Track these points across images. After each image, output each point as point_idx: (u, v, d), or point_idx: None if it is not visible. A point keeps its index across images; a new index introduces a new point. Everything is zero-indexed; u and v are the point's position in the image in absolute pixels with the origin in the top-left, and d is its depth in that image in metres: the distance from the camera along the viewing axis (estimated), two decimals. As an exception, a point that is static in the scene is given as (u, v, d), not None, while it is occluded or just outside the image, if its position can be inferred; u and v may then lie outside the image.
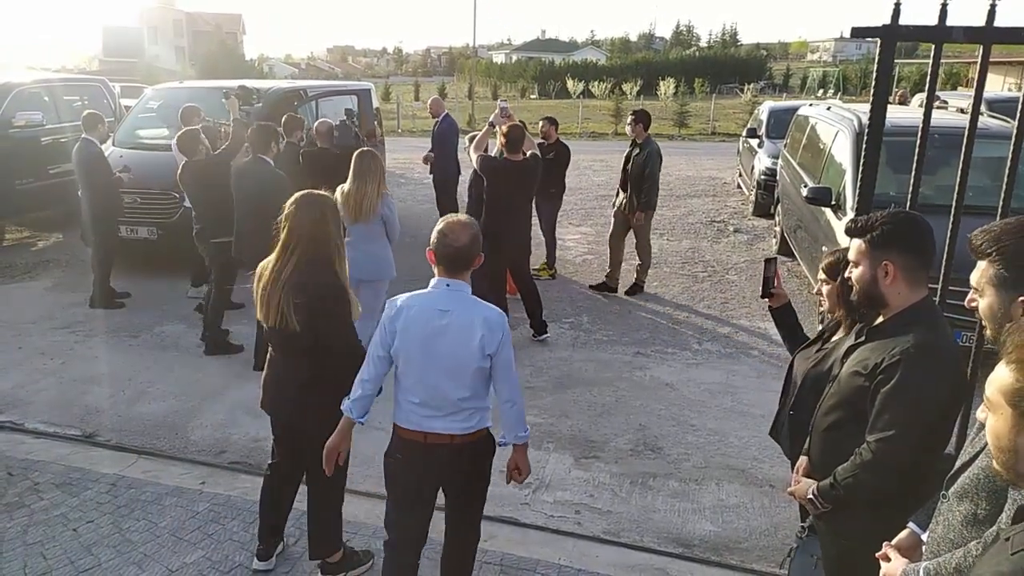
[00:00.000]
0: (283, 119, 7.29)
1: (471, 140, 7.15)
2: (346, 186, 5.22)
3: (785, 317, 3.04)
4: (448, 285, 2.64)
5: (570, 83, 45.52)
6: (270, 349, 3.24)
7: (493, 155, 6.28)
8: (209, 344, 6.05)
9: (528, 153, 5.89)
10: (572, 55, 69.40)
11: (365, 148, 5.50)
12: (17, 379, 5.48)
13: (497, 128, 6.27)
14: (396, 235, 5.38)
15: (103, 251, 7.09)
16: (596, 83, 44.04)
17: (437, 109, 9.73)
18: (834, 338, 2.68)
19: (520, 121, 6.88)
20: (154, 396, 5.27)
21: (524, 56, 71.10)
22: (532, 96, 48.70)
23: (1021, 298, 1.76)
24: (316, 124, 7.33)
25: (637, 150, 7.21)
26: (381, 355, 2.69)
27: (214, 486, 4.08)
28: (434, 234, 2.65)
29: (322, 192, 3.16)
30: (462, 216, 2.79)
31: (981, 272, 1.86)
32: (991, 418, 1.36)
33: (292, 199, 3.07)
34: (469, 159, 6.49)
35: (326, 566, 3.33)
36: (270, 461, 3.44)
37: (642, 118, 7.27)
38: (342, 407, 2.78)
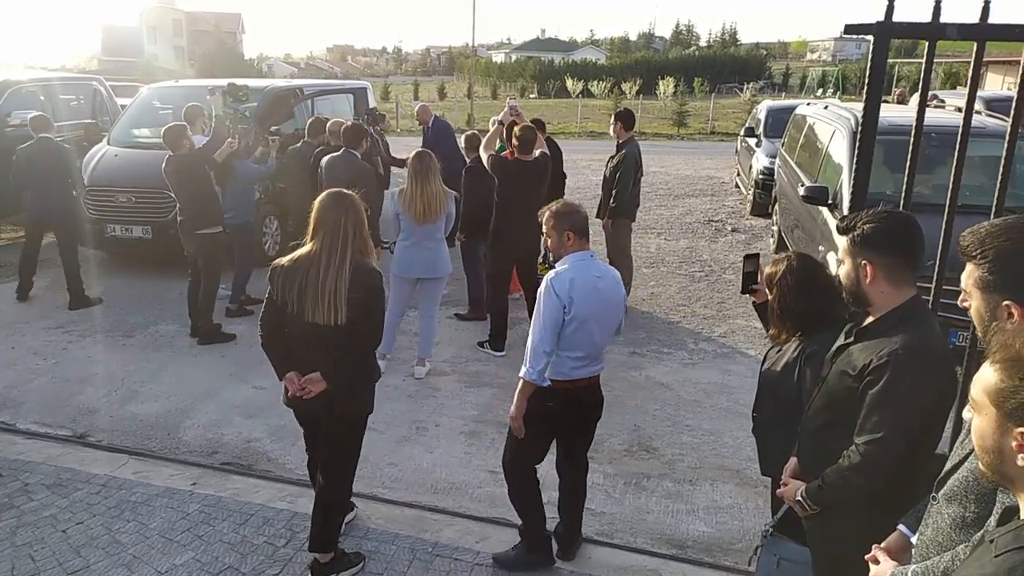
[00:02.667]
0: (308, 122, 7.53)
1: (468, 141, 7.14)
2: (407, 188, 5.33)
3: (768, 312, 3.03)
4: (592, 255, 3.23)
5: (569, 82, 45.51)
6: (297, 344, 3.14)
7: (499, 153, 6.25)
8: (203, 335, 6.17)
9: (538, 153, 5.88)
10: (571, 54, 69.31)
11: (421, 149, 5.65)
12: (9, 379, 5.46)
13: (504, 126, 6.25)
14: (451, 228, 5.73)
15: (67, 252, 7.05)
16: (595, 83, 44.02)
17: (424, 116, 9.53)
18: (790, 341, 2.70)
19: (536, 120, 6.83)
20: (147, 396, 5.24)
21: (523, 55, 71.01)
22: (531, 95, 48.65)
23: (1006, 302, 1.74)
24: (329, 124, 7.36)
25: (616, 153, 6.88)
26: (558, 323, 3.07)
27: (205, 487, 4.05)
28: (563, 214, 3.19)
29: (349, 191, 3.18)
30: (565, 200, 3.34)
31: (968, 274, 1.84)
32: (976, 419, 1.35)
33: (325, 197, 3.11)
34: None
35: (316, 566, 3.30)
36: (307, 455, 3.58)
37: (621, 117, 6.93)
38: (530, 377, 3.09)
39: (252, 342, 6.12)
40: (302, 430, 3.51)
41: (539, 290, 3.14)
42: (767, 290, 2.80)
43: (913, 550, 1.86)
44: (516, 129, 5.86)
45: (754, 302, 3.09)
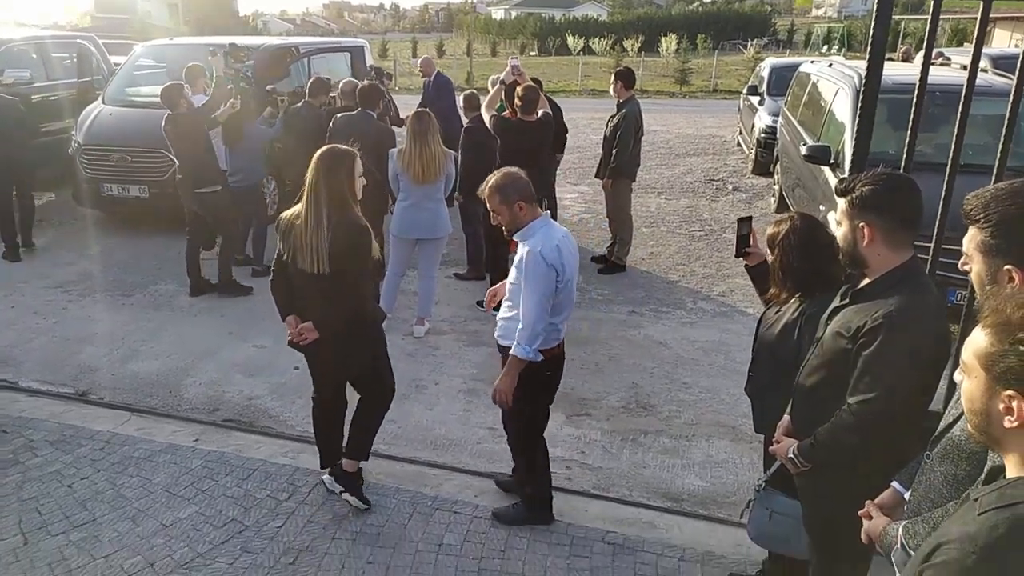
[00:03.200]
0: (310, 82, 7.38)
1: (466, 100, 7.04)
2: (405, 148, 5.28)
3: (763, 275, 3.00)
4: (548, 214, 3.22)
5: (570, 40, 44.70)
6: (297, 292, 3.34)
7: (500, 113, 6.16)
8: (221, 287, 6.32)
9: (541, 113, 5.81)
10: (573, 10, 67.88)
11: (420, 109, 5.59)
12: (10, 338, 5.49)
13: (506, 85, 6.15)
14: (450, 188, 5.67)
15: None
16: (597, 40, 43.24)
17: (428, 68, 9.62)
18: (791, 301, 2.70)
19: (534, 79, 6.74)
20: (147, 355, 5.28)
21: (524, 12, 69.60)
22: (532, 53, 47.86)
23: (1007, 267, 1.73)
24: (342, 84, 7.30)
25: (616, 112, 6.78)
26: (552, 293, 3.04)
27: (207, 443, 4.11)
28: (507, 186, 3.10)
29: (341, 147, 3.32)
30: (511, 169, 3.22)
31: (970, 237, 1.82)
32: (966, 381, 1.36)
33: (316, 154, 3.23)
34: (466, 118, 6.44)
35: (338, 471, 3.60)
36: (313, 394, 3.65)
37: (622, 76, 6.82)
38: (526, 355, 3.04)
39: (252, 302, 6.19)
40: (308, 382, 3.67)
41: (524, 267, 3.01)
42: (768, 250, 2.79)
43: (905, 506, 1.90)
44: (519, 89, 5.79)
45: (747, 265, 3.07)
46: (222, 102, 6.29)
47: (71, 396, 4.67)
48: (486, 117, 5.82)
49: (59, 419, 4.31)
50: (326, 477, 3.66)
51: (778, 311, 2.73)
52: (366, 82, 7.27)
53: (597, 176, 7.15)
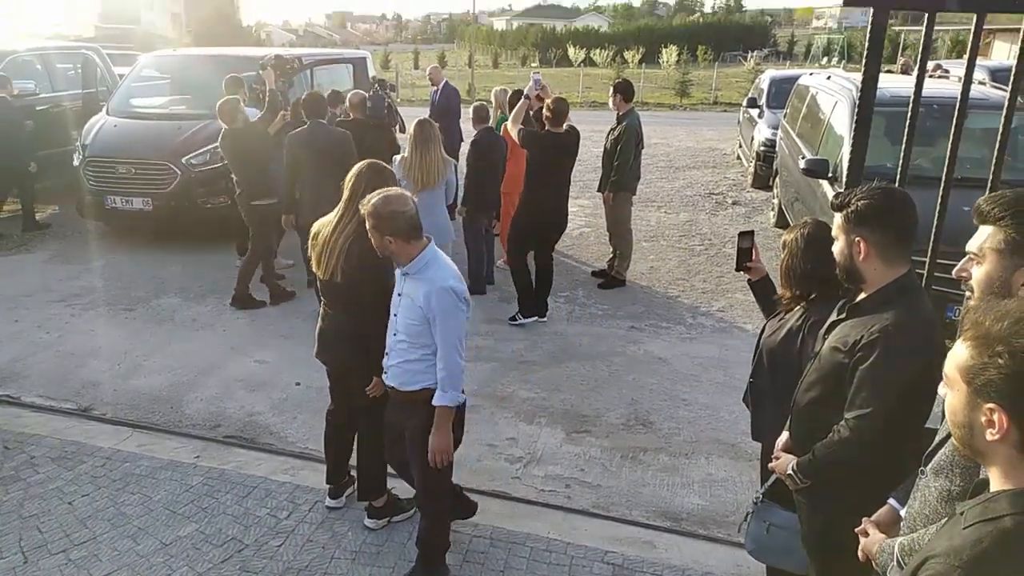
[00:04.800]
0: (304, 99, 7.35)
1: (475, 112, 7.05)
2: (408, 155, 5.42)
3: (764, 289, 3.03)
4: (431, 238, 2.97)
5: (571, 51, 44.89)
6: (322, 302, 3.48)
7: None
8: (236, 300, 6.37)
9: (566, 126, 5.87)
10: (574, 21, 68.29)
11: (423, 118, 5.69)
12: (13, 352, 5.51)
13: (530, 100, 6.19)
14: (453, 196, 5.78)
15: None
16: (598, 51, 43.41)
17: (437, 77, 9.76)
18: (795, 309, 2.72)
19: (518, 92, 6.79)
20: (150, 370, 5.30)
21: (525, 23, 70.04)
22: (533, 64, 48.01)
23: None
24: (350, 95, 7.36)
25: (615, 125, 6.81)
26: (465, 326, 2.91)
27: (208, 460, 4.12)
28: (388, 217, 2.77)
29: (382, 162, 3.44)
30: (390, 190, 2.91)
31: (988, 236, 1.81)
32: (949, 394, 1.38)
33: (358, 167, 3.32)
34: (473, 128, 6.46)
35: (372, 510, 3.56)
36: (329, 407, 3.70)
37: (620, 89, 6.83)
38: (452, 402, 2.85)
39: (254, 316, 6.21)
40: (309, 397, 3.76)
41: (434, 306, 2.78)
42: (761, 260, 2.82)
43: (902, 523, 1.91)
44: (548, 101, 5.87)
45: (749, 280, 3.09)
46: (276, 115, 6.42)
47: (73, 412, 4.68)
48: (513, 132, 5.88)
49: (61, 435, 4.32)
50: (368, 521, 3.57)
51: (781, 319, 2.75)
52: (370, 94, 7.33)
53: (599, 190, 7.17)
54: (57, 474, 3.93)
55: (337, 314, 3.37)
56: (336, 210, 3.27)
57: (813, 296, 2.63)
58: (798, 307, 2.67)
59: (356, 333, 3.26)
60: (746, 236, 3.02)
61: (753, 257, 3.01)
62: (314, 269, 3.34)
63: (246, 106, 6.60)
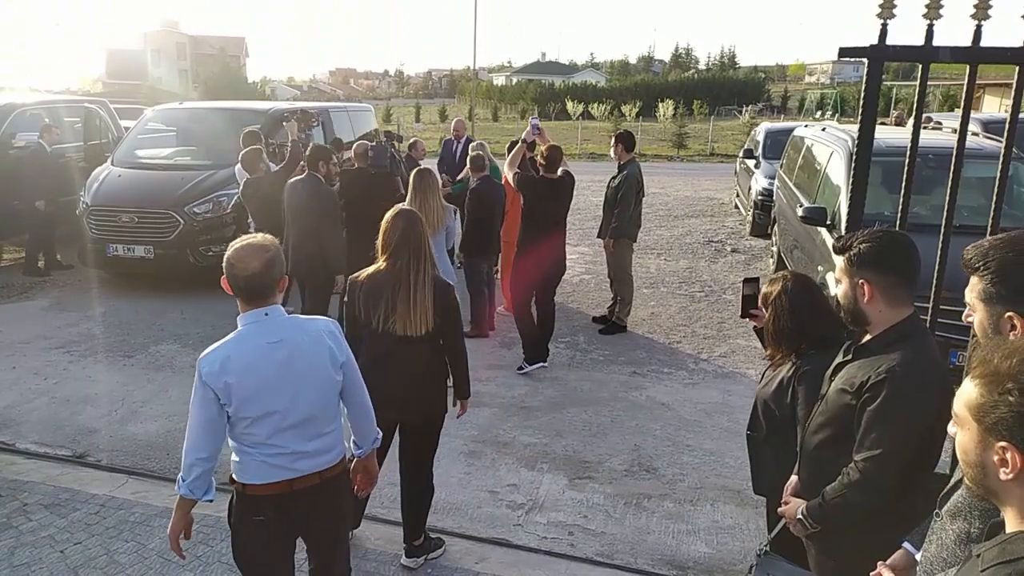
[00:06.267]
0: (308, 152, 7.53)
1: (472, 162, 7.19)
2: (407, 202, 5.45)
3: None
4: (267, 314, 2.38)
5: (570, 105, 45.82)
6: (381, 356, 3.25)
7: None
8: None
9: (561, 171, 5.99)
10: (572, 77, 69.93)
11: (422, 167, 5.80)
12: (10, 399, 5.46)
13: (527, 144, 6.32)
14: (453, 240, 5.90)
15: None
16: (595, 105, 44.31)
17: (460, 130, 9.86)
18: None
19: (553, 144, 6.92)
20: (147, 416, 5.24)
21: (524, 78, 71.63)
22: (531, 113, 49.04)
23: (1009, 314, 1.75)
24: (355, 146, 7.48)
25: (616, 174, 6.91)
26: (214, 419, 2.37)
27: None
28: (225, 262, 2.35)
29: (404, 207, 3.41)
30: (255, 238, 2.44)
31: (971, 287, 1.85)
32: (959, 433, 1.36)
33: (394, 213, 3.27)
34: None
35: (411, 549, 3.56)
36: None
37: (622, 140, 6.94)
38: (179, 491, 2.43)
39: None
40: None
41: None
42: (763, 309, 2.81)
43: (918, 567, 1.86)
44: (543, 148, 6.01)
45: (755, 327, 3.07)
46: (296, 165, 6.47)
47: (68, 458, 4.62)
48: (509, 174, 6.00)
49: (55, 482, 4.25)
50: (406, 560, 3.57)
51: (776, 369, 2.75)
52: (372, 144, 7.45)
53: (599, 236, 7.24)
54: (50, 521, 3.85)
55: (414, 360, 3.26)
56: (385, 260, 3.20)
57: (802, 348, 2.62)
58: (789, 359, 2.66)
59: (445, 368, 3.40)
60: (751, 283, 3.00)
61: (759, 304, 2.99)
62: (402, 332, 3.18)
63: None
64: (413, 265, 3.17)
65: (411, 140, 9.41)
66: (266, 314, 2.39)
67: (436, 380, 3.39)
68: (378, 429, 2.76)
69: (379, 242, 3.25)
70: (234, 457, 2.50)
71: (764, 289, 2.76)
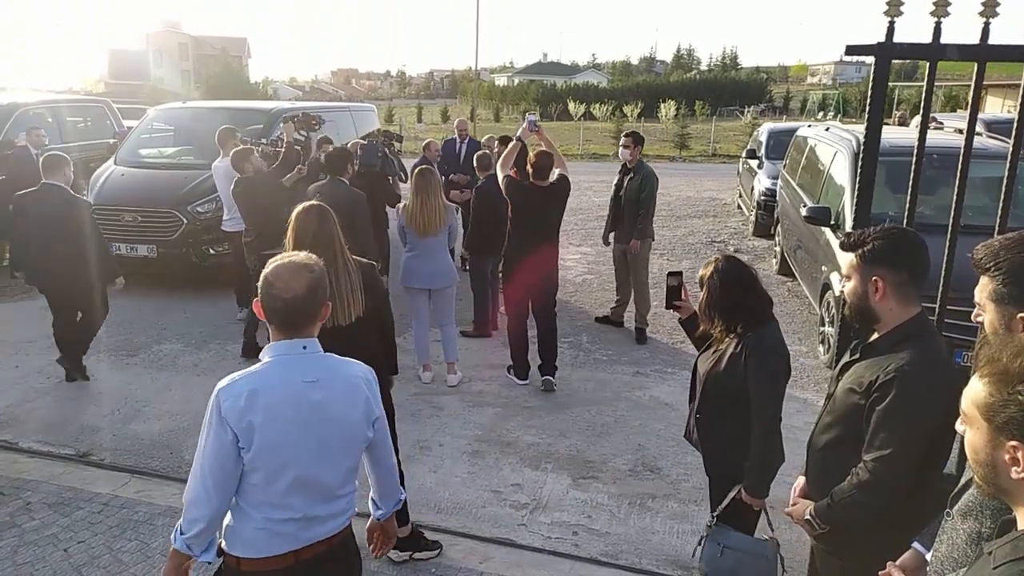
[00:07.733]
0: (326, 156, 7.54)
1: (478, 160, 7.18)
2: (409, 203, 5.54)
3: (694, 326, 3.09)
4: (304, 348, 2.03)
5: (571, 105, 45.79)
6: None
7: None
8: (244, 347, 6.33)
9: (556, 176, 5.57)
10: (574, 78, 69.87)
11: (424, 167, 5.79)
12: (13, 398, 5.45)
13: (522, 142, 6.07)
14: (457, 238, 5.89)
15: None
16: (597, 105, 44.29)
17: (463, 129, 9.79)
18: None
19: (505, 136, 6.88)
20: (149, 415, 5.23)
21: (526, 79, 71.67)
22: (530, 110, 49.04)
23: (1020, 314, 1.74)
24: (353, 146, 7.47)
25: (631, 175, 6.67)
26: (229, 468, 1.93)
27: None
28: (262, 282, 2.01)
29: (314, 202, 3.19)
30: (297, 255, 2.10)
31: (982, 287, 1.84)
32: (968, 432, 1.35)
33: (299, 211, 3.06)
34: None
35: (398, 541, 3.38)
36: None
37: (640, 140, 6.84)
38: (175, 544, 2.00)
39: (255, 363, 6.15)
40: None
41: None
42: (689, 299, 3.05)
43: (928, 567, 1.85)
44: (531, 155, 5.59)
45: (680, 318, 3.16)
46: (291, 167, 6.47)
47: (71, 457, 4.61)
48: (500, 176, 5.72)
49: (58, 481, 4.25)
50: (391, 552, 3.45)
51: (716, 350, 2.83)
52: (362, 143, 7.45)
53: (617, 241, 6.94)
54: (53, 520, 3.84)
55: (366, 348, 2.97)
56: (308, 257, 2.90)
57: (741, 324, 2.74)
58: (730, 336, 2.76)
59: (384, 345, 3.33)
60: (675, 275, 3.14)
61: (682, 296, 3.12)
62: (339, 320, 2.95)
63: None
64: (332, 256, 2.92)
65: (425, 141, 9.39)
66: (304, 347, 2.02)
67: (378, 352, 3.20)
68: (402, 489, 2.46)
69: (288, 238, 3.00)
70: (227, 520, 2.04)
71: (700, 272, 2.87)
